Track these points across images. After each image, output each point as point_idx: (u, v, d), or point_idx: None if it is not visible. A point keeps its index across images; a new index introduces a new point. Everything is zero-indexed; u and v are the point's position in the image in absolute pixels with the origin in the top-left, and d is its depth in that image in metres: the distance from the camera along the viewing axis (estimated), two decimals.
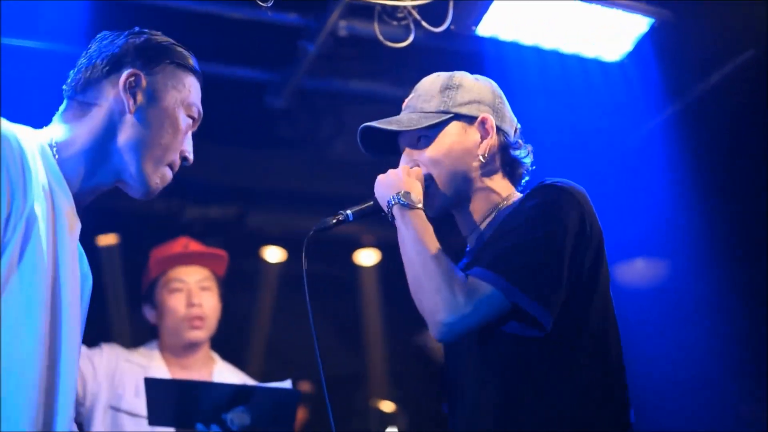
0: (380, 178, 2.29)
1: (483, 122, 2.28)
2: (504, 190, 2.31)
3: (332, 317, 5.61)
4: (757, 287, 4.21)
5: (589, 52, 3.74)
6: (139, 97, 2.03)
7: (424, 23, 3.41)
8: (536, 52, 3.73)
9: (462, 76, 2.35)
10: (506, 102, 2.38)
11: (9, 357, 1.72)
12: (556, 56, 3.76)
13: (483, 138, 2.27)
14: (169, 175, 2.10)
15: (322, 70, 4.32)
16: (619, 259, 4.88)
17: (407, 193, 2.21)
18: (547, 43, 3.68)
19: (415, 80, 4.37)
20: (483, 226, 2.31)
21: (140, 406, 3.48)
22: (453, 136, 2.28)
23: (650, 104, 4.21)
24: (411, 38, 3.45)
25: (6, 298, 1.74)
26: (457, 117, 2.28)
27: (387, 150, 2.39)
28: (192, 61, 2.15)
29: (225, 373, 3.84)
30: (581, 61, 3.80)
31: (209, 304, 3.82)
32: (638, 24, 3.59)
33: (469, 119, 2.28)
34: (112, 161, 2.02)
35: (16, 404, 1.72)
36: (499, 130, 2.30)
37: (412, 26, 3.44)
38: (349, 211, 2.32)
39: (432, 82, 2.35)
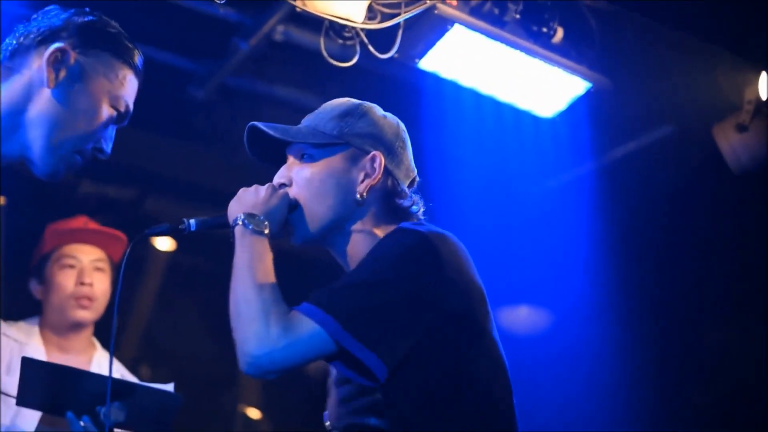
0: (240, 192, 2.14)
1: (372, 159, 2.11)
2: (380, 237, 2.11)
3: (212, 316, 5.52)
4: (658, 352, 4.33)
5: (524, 104, 3.79)
6: (62, 73, 1.95)
7: (370, 47, 3.39)
8: (473, 94, 3.75)
9: (370, 107, 2.19)
10: (409, 149, 2.21)
11: None
12: (491, 101, 3.79)
13: (367, 176, 2.11)
14: (76, 162, 2.00)
15: (248, 70, 4.26)
16: (509, 303, 4.97)
17: (254, 216, 2.05)
18: (485, 89, 3.71)
19: (341, 95, 4.40)
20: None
21: (10, 384, 3.33)
22: (337, 163, 2.12)
23: (574, 160, 4.29)
24: (355, 59, 3.42)
25: None
26: (349, 146, 2.12)
27: (273, 158, 2.22)
28: (137, 58, 2.08)
29: (103, 361, 3.70)
30: (515, 112, 3.85)
31: (101, 286, 3.68)
32: (576, 85, 3.65)
33: (360, 153, 2.12)
34: (19, 133, 1.94)
35: None
36: (389, 173, 2.14)
37: (357, 48, 3.41)
38: (192, 220, 2.17)
39: (339, 104, 2.20)
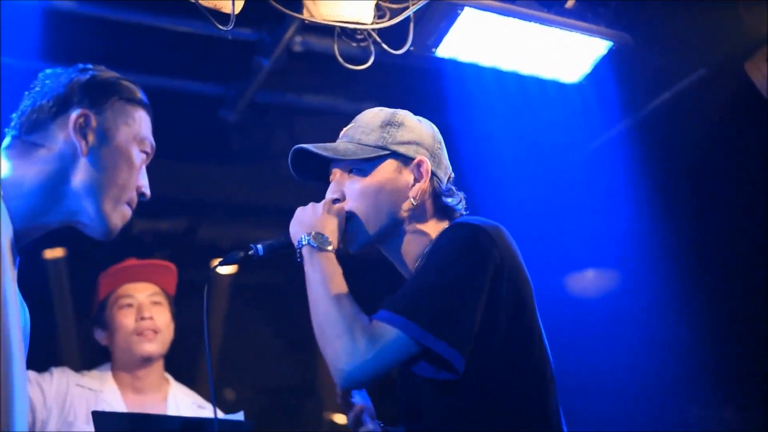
0: (297, 212, 2.25)
1: (419, 164, 2.25)
2: (435, 233, 2.25)
3: (284, 328, 5.58)
4: (706, 297, 4.29)
5: (547, 73, 3.76)
6: (91, 138, 1.99)
7: (384, 45, 3.39)
8: (495, 73, 3.73)
9: (405, 115, 2.31)
10: (444, 148, 2.35)
11: None
12: (514, 77, 3.77)
13: (416, 181, 2.24)
14: (128, 213, 2.06)
15: (276, 85, 4.30)
16: (573, 269, 4.95)
17: (319, 234, 2.16)
18: (506, 65, 3.69)
19: (370, 95, 4.42)
20: (414, 270, 2.25)
21: None
22: (387, 173, 2.24)
23: (606, 120, 4.25)
24: (371, 60, 3.42)
25: None
26: (394, 155, 2.25)
27: (317, 176, 2.34)
28: (140, 94, 2.11)
29: (179, 396, 3.77)
30: (540, 82, 3.82)
31: (161, 318, 3.75)
32: (597, 47, 3.61)
33: (406, 159, 2.25)
34: (66, 203, 1.97)
35: None
36: (434, 175, 2.27)
37: (371, 48, 3.41)
38: (260, 245, 2.26)
39: (374, 115, 2.31)
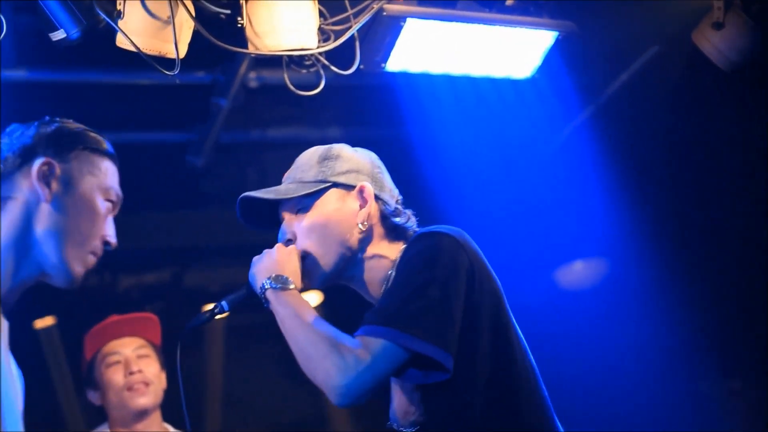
0: (254, 261, 2.29)
1: (361, 191, 2.27)
2: (394, 254, 2.28)
3: (285, 361, 5.56)
4: (692, 281, 4.31)
5: (499, 72, 3.77)
6: (54, 185, 1.99)
7: (333, 67, 3.41)
8: (447, 79, 3.75)
9: (341, 148, 2.35)
10: (386, 172, 2.38)
11: None
12: (467, 81, 3.78)
13: (362, 206, 2.26)
14: (91, 261, 2.05)
15: (238, 123, 4.32)
16: (559, 263, 4.95)
17: (278, 276, 2.19)
18: (457, 69, 3.70)
19: (334, 120, 4.43)
20: (382, 293, 2.26)
21: None
22: (331, 204, 2.26)
23: (567, 110, 4.28)
24: (322, 84, 3.44)
25: None
26: (335, 185, 2.27)
27: (268, 222, 2.37)
28: (106, 145, 2.12)
29: None
30: (494, 82, 3.83)
31: (150, 370, 3.73)
32: (544, 38, 3.62)
33: (348, 188, 2.28)
34: (33, 253, 1.98)
35: None
36: (378, 198, 2.29)
37: (321, 72, 3.43)
38: (224, 302, 2.29)
39: (311, 154, 2.34)
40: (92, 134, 2.11)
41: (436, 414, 2.13)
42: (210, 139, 4.28)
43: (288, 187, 2.30)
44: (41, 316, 4.83)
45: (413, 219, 2.34)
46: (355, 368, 1.98)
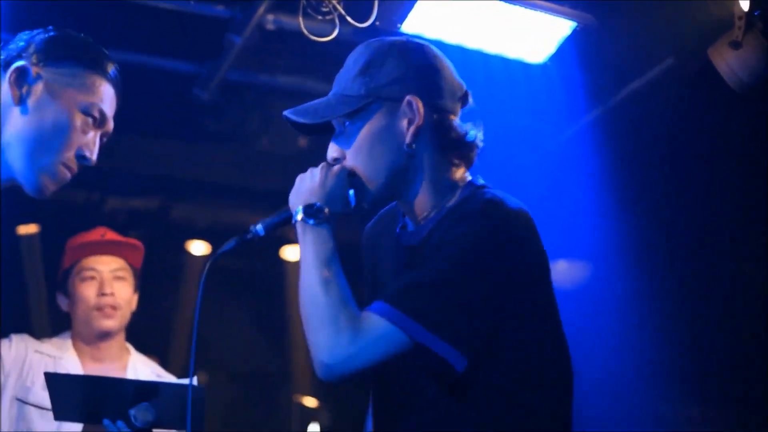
0: (297, 181, 2.08)
1: (409, 104, 2.03)
2: (451, 178, 2.09)
3: (257, 313, 5.60)
4: (677, 287, 4.28)
5: (512, 53, 3.76)
6: (25, 89, 1.98)
7: (348, 18, 3.41)
8: (460, 51, 3.73)
9: (390, 47, 2.09)
10: (445, 67, 2.11)
11: None
12: (479, 56, 3.77)
13: (410, 121, 2.03)
14: (63, 174, 2.03)
15: (248, 64, 4.30)
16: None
17: (310, 206, 2.00)
18: (471, 43, 3.69)
19: (335, 73, 4.40)
20: (423, 221, 2.10)
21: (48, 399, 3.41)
22: (376, 122, 2.04)
23: (573, 107, 4.25)
24: (335, 33, 3.44)
25: None
26: (381, 100, 2.04)
27: (322, 128, 2.14)
28: (107, 64, 2.10)
29: (139, 365, 3.78)
30: (505, 62, 3.82)
31: (122, 294, 3.75)
32: (561, 27, 3.62)
33: (394, 101, 2.04)
34: (3, 158, 1.98)
35: None
36: (433, 108, 2.05)
37: (337, 21, 3.44)
38: (259, 226, 2.07)
39: (358, 56, 2.11)
40: (94, 51, 2.09)
41: (441, 406, 1.96)
42: (218, 76, 4.28)
43: (329, 103, 2.08)
44: (26, 222, 4.85)
45: (478, 130, 2.13)
46: (346, 348, 1.83)
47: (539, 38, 3.68)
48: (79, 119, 2.04)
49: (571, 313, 4.51)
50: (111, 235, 3.88)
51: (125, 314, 3.77)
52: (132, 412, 3.09)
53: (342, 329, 1.85)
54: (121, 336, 3.80)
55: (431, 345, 1.84)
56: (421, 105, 2.03)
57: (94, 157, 2.08)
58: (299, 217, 2.00)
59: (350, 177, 2.06)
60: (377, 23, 3.46)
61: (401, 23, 3.54)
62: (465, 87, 2.16)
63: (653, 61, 4.09)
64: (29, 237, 4.88)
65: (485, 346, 1.89)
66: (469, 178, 2.13)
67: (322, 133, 2.16)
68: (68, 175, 2.06)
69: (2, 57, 2.04)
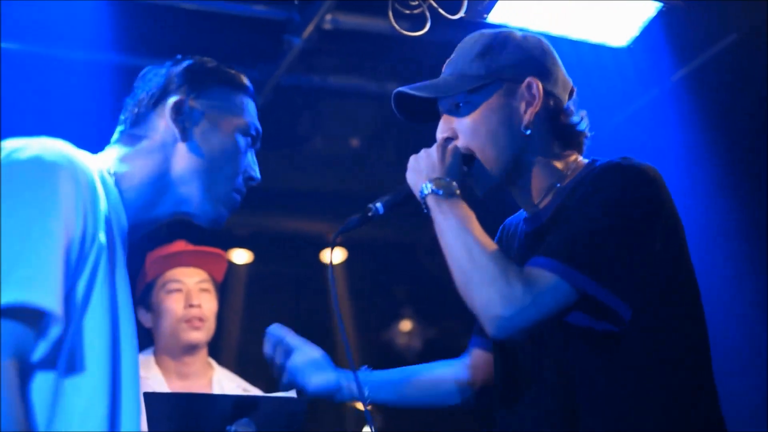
0: (411, 161, 2.07)
1: (529, 86, 2.04)
2: (564, 162, 2.10)
3: (299, 316, 5.53)
4: None
5: (596, 37, 3.74)
6: (188, 124, 1.96)
7: (441, 10, 3.35)
8: (545, 38, 3.70)
9: (508, 34, 2.11)
10: (559, 61, 2.14)
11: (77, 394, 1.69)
12: (564, 42, 3.73)
13: (529, 104, 2.04)
14: (236, 200, 2.02)
15: (300, 66, 4.27)
16: None
17: (440, 180, 1.99)
18: (555, 30, 3.66)
19: (393, 75, 4.34)
20: (541, 205, 2.10)
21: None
22: (495, 102, 2.05)
23: (658, 84, 4.22)
24: (427, 26, 3.39)
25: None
26: (501, 81, 2.05)
27: (426, 116, 2.18)
28: (243, 79, 2.08)
29: (224, 381, 3.71)
30: (589, 47, 3.79)
31: (209, 306, 3.69)
32: (646, 8, 3.60)
33: (515, 83, 2.05)
34: (171, 193, 1.94)
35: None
36: (549, 94, 2.07)
37: (427, 13, 3.37)
38: (378, 204, 2.10)
39: (474, 41, 2.11)
40: (227, 70, 2.07)
41: (598, 363, 1.93)
42: (274, 78, 4.23)
43: (447, 81, 2.10)
44: None
45: (587, 120, 2.13)
46: (522, 300, 1.82)
47: (623, 21, 3.65)
48: (242, 141, 2.02)
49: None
50: (193, 247, 3.80)
51: (211, 327, 3.70)
52: (231, 429, 3.03)
53: (513, 281, 1.84)
54: (205, 350, 3.72)
55: (601, 297, 1.85)
56: (541, 87, 2.05)
57: (258, 175, 2.06)
58: (428, 190, 1.99)
59: (467, 158, 2.07)
60: (464, 15, 3.41)
61: (487, 14, 3.49)
62: (572, 83, 2.17)
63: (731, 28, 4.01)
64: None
65: (645, 298, 1.90)
66: (585, 161, 2.14)
67: (423, 121, 2.19)
68: (239, 200, 2.04)
69: (143, 97, 2.00)
